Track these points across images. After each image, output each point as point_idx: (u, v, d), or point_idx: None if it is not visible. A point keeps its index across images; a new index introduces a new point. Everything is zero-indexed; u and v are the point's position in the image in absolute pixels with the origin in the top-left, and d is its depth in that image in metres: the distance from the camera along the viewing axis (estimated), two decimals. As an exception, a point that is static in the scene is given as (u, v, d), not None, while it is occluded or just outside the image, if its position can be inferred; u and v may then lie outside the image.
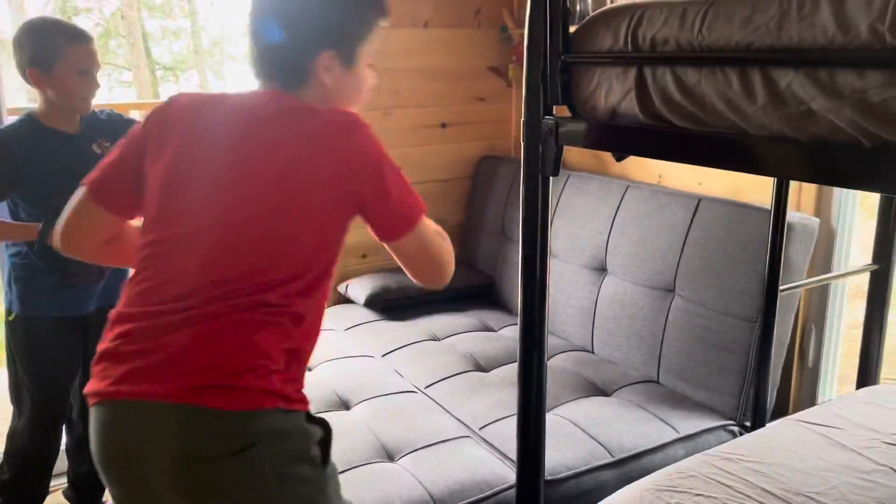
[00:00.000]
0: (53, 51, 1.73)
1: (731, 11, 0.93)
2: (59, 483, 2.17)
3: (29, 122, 1.79)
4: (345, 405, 1.88)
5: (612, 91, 1.10)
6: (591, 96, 1.15)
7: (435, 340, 2.25)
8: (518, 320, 2.38)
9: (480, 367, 2.06)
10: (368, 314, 2.47)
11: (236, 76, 11.07)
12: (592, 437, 1.69)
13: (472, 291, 2.59)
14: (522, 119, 1.24)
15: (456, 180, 2.79)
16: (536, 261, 1.28)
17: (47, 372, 1.86)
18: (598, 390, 1.94)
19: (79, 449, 2.07)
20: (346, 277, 2.62)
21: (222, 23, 11.04)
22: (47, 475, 1.96)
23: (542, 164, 1.23)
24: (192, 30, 10.27)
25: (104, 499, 2.16)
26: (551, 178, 1.25)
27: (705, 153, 1.00)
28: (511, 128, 2.84)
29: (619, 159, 1.21)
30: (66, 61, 1.73)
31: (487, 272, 2.63)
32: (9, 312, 1.84)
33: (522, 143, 1.25)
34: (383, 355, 2.19)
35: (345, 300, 2.61)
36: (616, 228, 2.12)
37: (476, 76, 2.73)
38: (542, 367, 1.33)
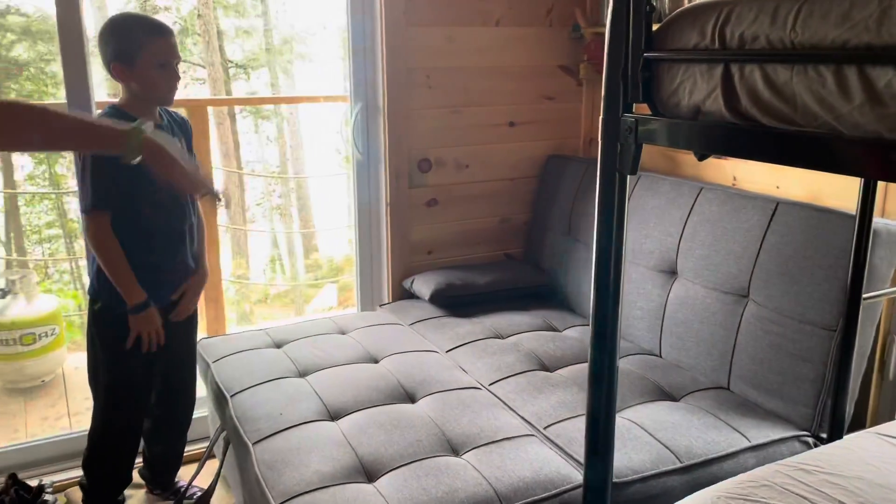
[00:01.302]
0: (135, 45, 1.77)
1: (826, 8, 0.90)
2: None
3: (115, 113, 1.83)
4: (410, 398, 1.90)
5: (697, 89, 1.08)
6: (673, 94, 1.13)
7: (499, 338, 2.25)
8: (589, 323, 2.38)
9: (545, 367, 2.05)
10: (433, 309, 2.48)
11: (305, 74, 11.32)
12: (660, 442, 1.66)
13: (537, 291, 2.58)
14: (601, 117, 1.23)
15: (522, 179, 2.78)
16: (611, 262, 1.26)
17: (126, 361, 1.92)
18: (665, 395, 1.91)
19: (155, 431, 2.15)
20: (411, 272, 2.65)
21: (293, 21, 11.29)
22: (130, 456, 2.04)
23: (620, 162, 1.22)
24: (265, 28, 10.53)
25: (177, 478, 2.24)
26: (628, 177, 1.23)
27: (796, 153, 0.97)
28: (580, 127, 2.81)
29: (701, 158, 1.19)
30: (147, 55, 1.77)
31: (552, 272, 2.61)
32: (94, 301, 1.91)
33: (600, 142, 1.24)
34: (447, 351, 2.20)
35: (409, 295, 2.64)
36: (688, 231, 2.08)
37: (546, 75, 2.72)
38: (614, 370, 1.31)
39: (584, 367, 2.01)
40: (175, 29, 9.81)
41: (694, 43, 1.09)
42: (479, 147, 2.68)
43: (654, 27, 1.17)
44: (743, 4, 1.03)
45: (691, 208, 2.10)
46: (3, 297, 3.04)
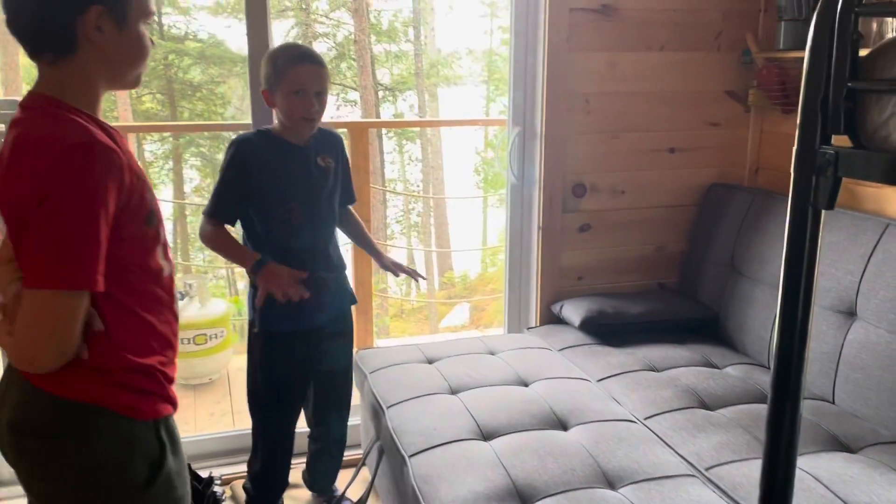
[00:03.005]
0: (279, 72, 1.83)
1: None
2: (298, 462, 2.38)
3: (263, 132, 1.93)
4: (562, 425, 1.88)
5: (912, 121, 1.01)
6: (882, 127, 1.05)
7: (653, 371, 2.18)
8: (753, 361, 2.26)
9: (705, 405, 1.96)
10: (582, 337, 2.45)
11: (449, 97, 11.62)
12: (837, 496, 1.54)
13: (694, 324, 2.47)
14: (794, 148, 1.18)
15: (681, 207, 2.69)
16: (798, 304, 1.19)
17: (282, 382, 2.02)
18: (840, 445, 1.77)
19: (316, 438, 2.26)
20: (560, 298, 2.63)
21: (440, 46, 11.65)
22: (286, 466, 2.15)
23: (815, 196, 1.15)
24: (415, 52, 10.93)
25: (334, 487, 2.34)
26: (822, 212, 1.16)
27: None
28: (746, 155, 2.69)
29: (911, 195, 1.10)
30: (286, 82, 1.82)
31: (711, 305, 2.50)
32: (252, 325, 2.00)
33: (792, 174, 1.18)
34: (599, 380, 2.16)
35: (557, 320, 2.62)
36: (871, 270, 1.93)
37: (711, 100, 2.63)
38: (796, 418, 1.23)
39: (748, 409, 1.91)
40: (330, 55, 10.34)
41: (910, 72, 1.01)
42: (636, 173, 2.63)
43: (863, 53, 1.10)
44: (971, 31, 0.95)
45: (875, 246, 1.94)
46: (181, 299, 3.33)
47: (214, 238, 1.91)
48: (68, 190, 1.01)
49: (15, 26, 1.11)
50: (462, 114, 12.34)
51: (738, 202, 2.49)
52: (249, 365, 2.07)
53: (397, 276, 2.19)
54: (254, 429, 2.12)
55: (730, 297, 2.42)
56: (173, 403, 1.25)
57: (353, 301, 2.16)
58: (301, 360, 2.03)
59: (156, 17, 10.65)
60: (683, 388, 2.03)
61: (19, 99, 2.78)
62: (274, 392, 2.04)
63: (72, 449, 1.12)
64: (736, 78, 2.62)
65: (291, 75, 1.83)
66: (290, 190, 1.92)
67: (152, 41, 1.20)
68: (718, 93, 2.63)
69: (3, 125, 2.70)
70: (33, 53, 1.12)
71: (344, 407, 2.24)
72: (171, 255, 1.25)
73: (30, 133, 1.08)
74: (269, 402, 2.05)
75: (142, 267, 1.16)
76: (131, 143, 3.59)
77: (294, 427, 2.14)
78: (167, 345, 1.23)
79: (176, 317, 1.27)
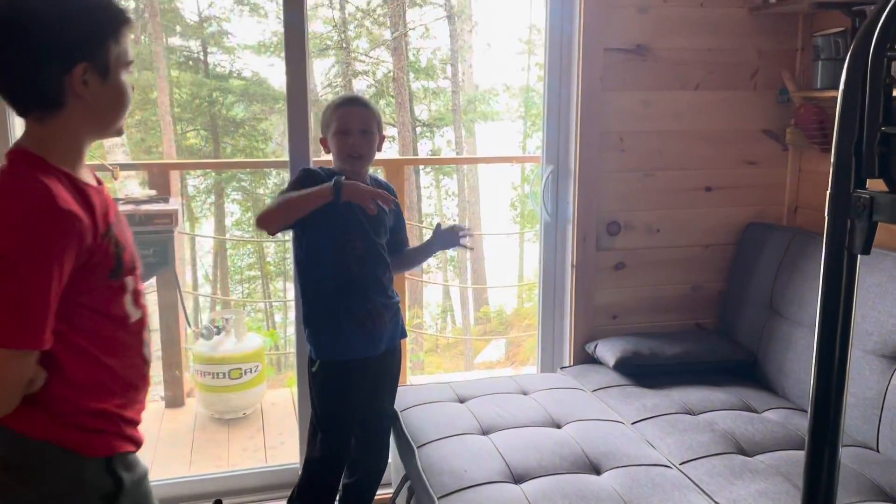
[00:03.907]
0: (328, 118, 1.99)
1: None
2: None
3: (326, 170, 2.01)
4: (595, 469, 1.85)
5: (949, 166, 0.98)
6: (918, 171, 1.04)
7: (689, 414, 2.13)
8: (793, 405, 2.20)
9: (742, 451, 1.91)
10: (617, 377, 2.41)
11: (486, 132, 11.72)
12: (882, 551, 1.48)
13: (732, 366, 2.42)
14: (828, 192, 1.16)
15: (718, 246, 2.66)
16: (835, 349, 1.15)
17: (339, 415, 2.03)
18: (885, 496, 1.70)
19: (354, 468, 2.24)
20: (594, 337, 2.60)
21: (477, 82, 11.79)
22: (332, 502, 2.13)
23: (850, 240, 1.13)
24: (452, 89, 11.07)
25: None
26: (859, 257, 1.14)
27: None
28: (784, 194, 2.65)
29: (951, 242, 1.08)
30: (334, 125, 1.97)
31: (749, 347, 2.45)
32: (312, 363, 2.03)
33: (826, 217, 1.16)
34: (633, 423, 2.12)
35: (591, 360, 2.59)
36: (916, 313, 1.87)
37: (748, 139, 2.61)
38: (835, 466, 1.18)
39: (788, 455, 1.86)
40: (370, 92, 10.55)
41: (946, 117, 1.00)
42: (671, 211, 2.61)
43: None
44: None
45: (920, 288, 1.89)
46: (218, 333, 3.37)
47: (281, 200, 1.87)
48: (21, 254, 1.04)
49: (1, 87, 1.14)
50: (499, 149, 12.41)
51: (776, 242, 2.45)
52: (311, 399, 2.08)
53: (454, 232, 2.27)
54: (307, 462, 2.12)
55: (769, 339, 2.37)
56: (135, 442, 1.26)
57: (404, 335, 2.18)
58: (357, 390, 2.04)
59: (201, 56, 10.95)
60: (721, 433, 1.98)
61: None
62: (331, 423, 2.05)
63: (21, 483, 1.16)
64: (773, 116, 2.60)
65: (337, 118, 1.98)
66: (354, 220, 1.98)
67: (132, 88, 1.22)
68: (755, 131, 2.61)
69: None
70: (21, 112, 1.16)
71: (384, 445, 2.23)
72: (143, 301, 1.27)
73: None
74: (327, 434, 2.05)
75: (104, 314, 1.18)
76: (174, 178, 3.68)
77: (345, 463, 2.13)
78: (130, 387, 1.25)
79: (145, 360, 1.29)
